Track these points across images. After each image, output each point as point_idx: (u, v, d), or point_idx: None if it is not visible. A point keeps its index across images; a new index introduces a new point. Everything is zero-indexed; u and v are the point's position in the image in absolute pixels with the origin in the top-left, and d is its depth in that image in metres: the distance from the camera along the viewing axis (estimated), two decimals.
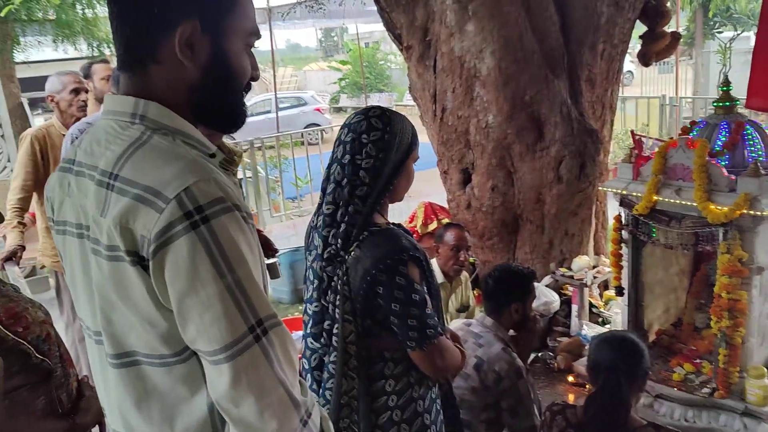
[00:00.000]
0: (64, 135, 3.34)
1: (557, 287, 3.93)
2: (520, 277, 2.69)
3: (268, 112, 16.68)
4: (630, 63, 15.37)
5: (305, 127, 15.78)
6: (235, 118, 1.11)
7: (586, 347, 3.28)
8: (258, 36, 1.11)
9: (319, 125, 16.15)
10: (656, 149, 3.10)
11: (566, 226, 3.96)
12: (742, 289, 2.78)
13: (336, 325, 1.71)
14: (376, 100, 23.14)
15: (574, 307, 3.84)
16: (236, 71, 1.08)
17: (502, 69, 3.68)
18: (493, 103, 3.78)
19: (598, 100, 3.98)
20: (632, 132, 3.21)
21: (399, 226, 1.82)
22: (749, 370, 2.86)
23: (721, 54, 13.47)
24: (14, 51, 8.88)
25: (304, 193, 8.34)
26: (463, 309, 3.66)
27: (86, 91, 3.43)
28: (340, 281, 1.69)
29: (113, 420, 1.10)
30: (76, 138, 2.83)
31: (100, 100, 3.94)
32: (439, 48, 3.90)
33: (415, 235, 4.51)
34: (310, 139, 11.02)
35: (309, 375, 1.83)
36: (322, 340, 1.77)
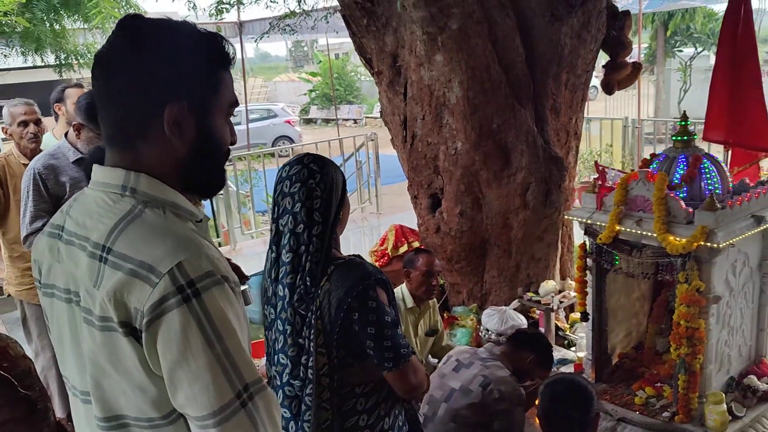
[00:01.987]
0: (23, 164, 3.34)
1: (524, 311, 4.01)
2: (544, 344, 2.95)
3: (238, 123, 16.65)
4: (595, 78, 15.77)
5: (275, 140, 15.79)
6: (217, 185, 1.18)
7: None
8: (237, 104, 1.16)
9: (289, 137, 16.15)
10: (618, 180, 3.21)
11: (533, 250, 4.05)
12: (701, 318, 2.89)
13: (311, 359, 1.80)
14: (345, 111, 23.23)
15: (541, 330, 3.92)
16: (219, 143, 1.14)
17: (470, 98, 3.76)
18: (461, 131, 3.86)
19: (563, 128, 4.09)
20: (596, 163, 3.32)
21: (357, 256, 1.91)
22: (708, 396, 2.96)
23: (681, 71, 13.86)
24: None
25: None
26: (432, 332, 3.71)
27: (37, 122, 3.45)
28: (314, 316, 1.79)
29: None
30: (41, 175, 2.86)
31: (71, 125, 3.93)
32: (409, 76, 3.97)
33: (385, 258, 4.58)
34: (281, 152, 11.03)
35: (287, 410, 1.89)
36: (300, 375, 1.84)
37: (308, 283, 1.78)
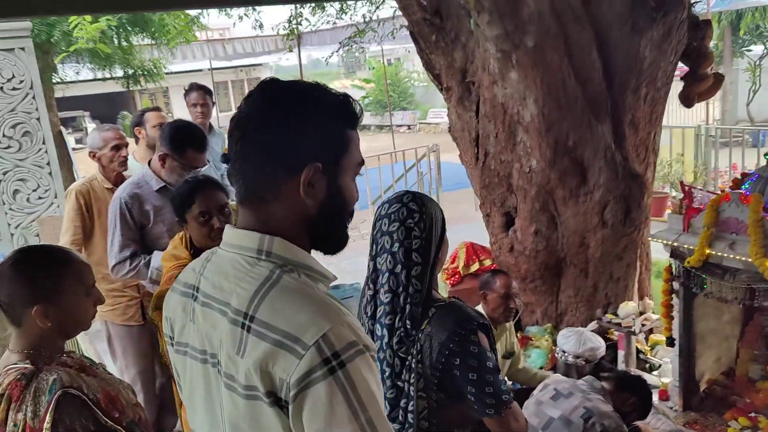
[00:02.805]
0: (107, 188, 3.44)
1: (601, 332, 3.90)
2: (647, 390, 2.93)
3: None
4: None
5: None
6: (342, 242, 1.18)
7: None
8: (363, 163, 1.16)
9: None
10: (707, 201, 3.09)
11: (611, 270, 3.93)
12: None
13: (411, 403, 1.77)
14: (399, 118, 23.25)
15: (621, 353, 3.81)
16: (347, 202, 1.14)
17: (545, 115, 3.69)
18: (536, 148, 3.78)
19: (641, 144, 3.97)
20: (682, 183, 3.20)
21: (457, 299, 1.88)
22: None
23: (750, 72, 13.32)
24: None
25: None
26: (509, 355, 3.64)
27: (126, 146, 3.53)
28: (414, 359, 1.77)
29: None
30: (127, 204, 2.90)
31: (152, 147, 4.03)
32: (482, 94, 3.92)
33: (456, 276, 4.53)
34: None
35: None
36: (399, 418, 1.83)
37: (408, 326, 1.76)
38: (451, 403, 1.78)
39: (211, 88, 4.99)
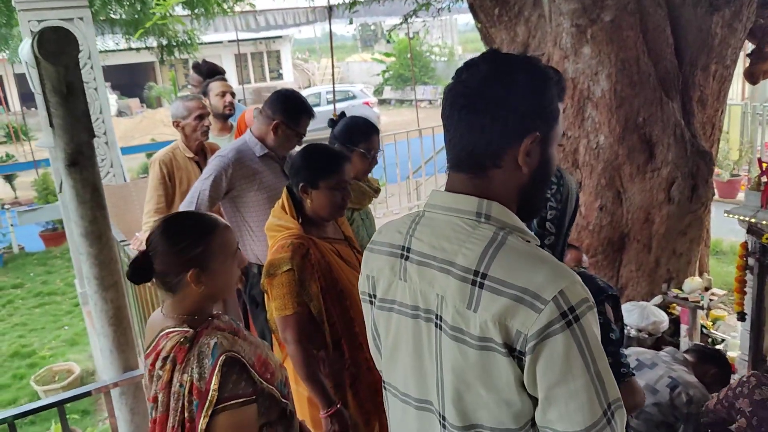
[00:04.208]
0: (189, 157, 3.48)
1: (663, 306, 3.97)
2: (727, 362, 2.99)
3: (317, 105, 16.84)
4: None
5: None
6: (539, 209, 1.24)
7: None
8: (564, 135, 1.21)
9: None
10: None
11: (674, 246, 3.99)
12: None
13: None
14: (420, 92, 23.14)
15: (683, 327, 3.87)
16: (552, 171, 1.19)
17: (617, 91, 3.71)
18: (605, 124, 3.81)
19: (708, 121, 3.99)
20: (759, 160, 3.23)
21: (585, 269, 1.93)
22: None
23: None
24: None
25: None
26: None
27: (209, 116, 3.55)
28: None
29: None
30: (228, 166, 2.86)
31: (217, 116, 4.07)
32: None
33: None
34: None
35: None
36: None
37: None
38: None
39: (232, 61, 4.79)
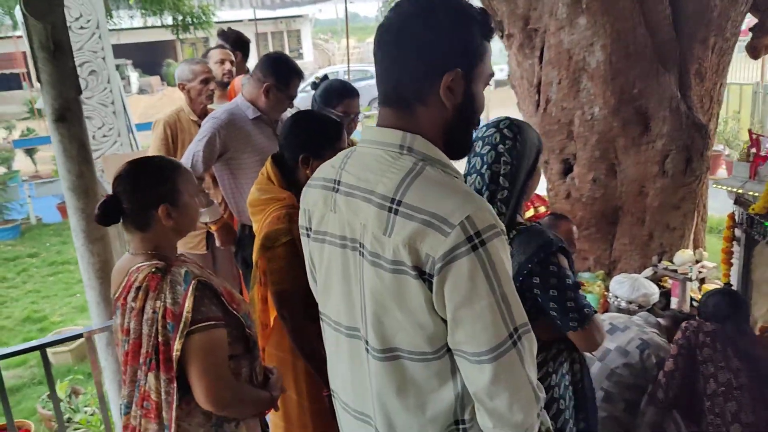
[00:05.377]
0: (193, 120, 3.55)
1: (654, 279, 3.97)
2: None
3: None
4: None
5: (370, 101, 15.93)
6: (467, 148, 1.28)
7: None
8: (493, 75, 1.24)
9: None
10: None
11: (668, 219, 3.97)
12: None
13: None
14: None
15: (674, 300, 3.88)
16: (478, 109, 1.23)
17: (612, 62, 3.70)
18: (599, 95, 3.80)
19: (706, 94, 3.96)
20: (750, 131, 3.21)
21: (538, 223, 1.95)
22: None
23: None
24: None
25: None
26: None
27: (214, 80, 3.61)
28: None
29: (362, 403, 1.28)
30: (221, 127, 2.91)
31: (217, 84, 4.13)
32: (547, 40, 3.93)
33: None
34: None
35: None
36: None
37: None
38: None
39: (252, 40, 4.79)
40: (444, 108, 1.17)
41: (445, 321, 1.12)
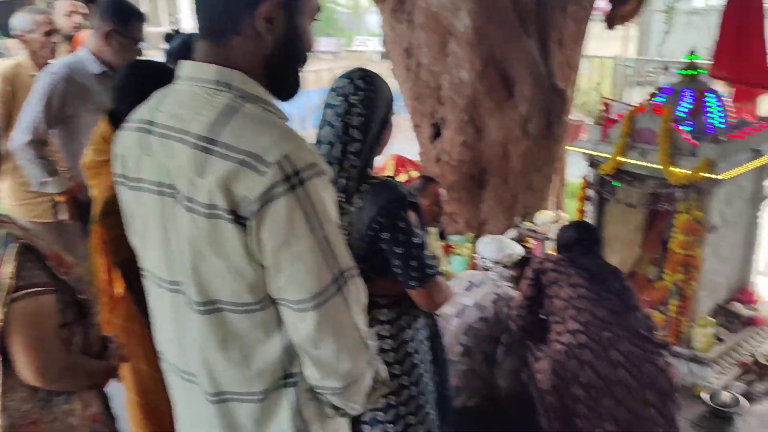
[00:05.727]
0: (34, 75, 3.23)
1: (519, 239, 4.13)
2: None
3: None
4: None
5: None
6: (295, 87, 1.21)
7: None
8: (320, 11, 1.18)
9: None
10: (623, 113, 3.29)
11: (530, 181, 4.14)
12: (697, 246, 3.04)
13: None
14: (324, 44, 22.70)
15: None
16: (303, 44, 1.17)
17: (477, 27, 3.76)
18: (466, 60, 3.86)
19: (566, 61, 4.12)
20: (602, 96, 3.37)
21: (391, 177, 1.94)
22: (697, 320, 3.14)
23: (665, 13, 13.79)
24: None
25: None
26: None
27: (58, 32, 3.30)
28: (343, 231, 1.81)
29: (187, 361, 1.19)
30: (58, 83, 2.69)
31: (64, 37, 3.78)
32: (416, 3, 3.93)
33: None
34: None
35: None
36: None
37: (341, 199, 1.81)
38: (375, 275, 1.84)
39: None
40: (263, 41, 1.10)
41: (265, 269, 1.06)
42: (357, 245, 1.81)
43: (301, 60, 1.18)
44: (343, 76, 1.87)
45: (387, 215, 1.77)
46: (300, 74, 1.21)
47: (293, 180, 1.00)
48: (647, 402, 2.31)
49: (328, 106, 1.86)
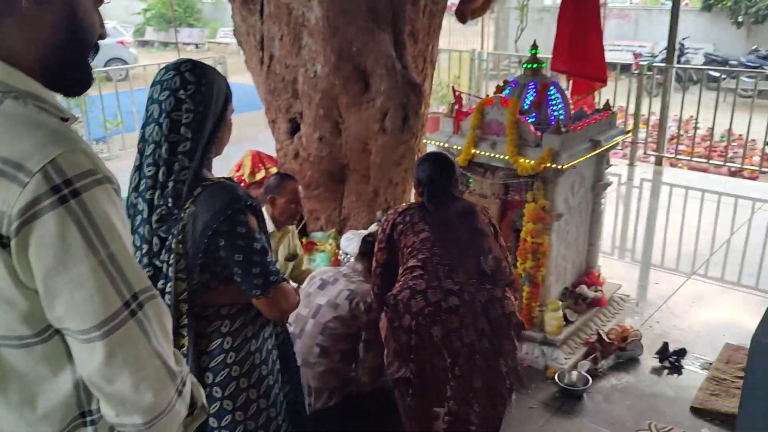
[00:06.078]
0: None
1: None
2: None
3: None
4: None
5: (107, 62, 14.50)
6: (84, 80, 1.06)
7: None
8: None
9: (122, 59, 14.91)
10: (474, 105, 3.35)
11: (390, 175, 4.13)
12: (545, 234, 3.16)
13: (169, 284, 1.69)
14: (186, 35, 21.78)
15: None
16: (86, 28, 1.02)
17: (330, 19, 3.68)
18: (321, 53, 3.77)
19: (420, 55, 4.15)
20: (453, 88, 3.42)
21: (229, 179, 1.82)
22: (547, 305, 3.27)
23: (519, 10, 14.51)
24: None
25: (113, 134, 7.72)
26: (292, 257, 3.71)
27: None
28: (174, 239, 1.67)
29: None
30: None
31: None
32: None
33: (242, 184, 4.44)
34: (118, 75, 10.15)
35: None
36: None
37: (170, 204, 1.65)
38: (217, 284, 1.73)
39: None
40: (35, 25, 0.95)
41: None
42: (192, 254, 1.68)
43: (87, 47, 1.04)
44: (168, 68, 1.71)
45: (224, 220, 1.65)
46: (90, 66, 1.07)
47: (64, 191, 0.86)
48: (481, 332, 2.29)
49: (153, 101, 1.69)
